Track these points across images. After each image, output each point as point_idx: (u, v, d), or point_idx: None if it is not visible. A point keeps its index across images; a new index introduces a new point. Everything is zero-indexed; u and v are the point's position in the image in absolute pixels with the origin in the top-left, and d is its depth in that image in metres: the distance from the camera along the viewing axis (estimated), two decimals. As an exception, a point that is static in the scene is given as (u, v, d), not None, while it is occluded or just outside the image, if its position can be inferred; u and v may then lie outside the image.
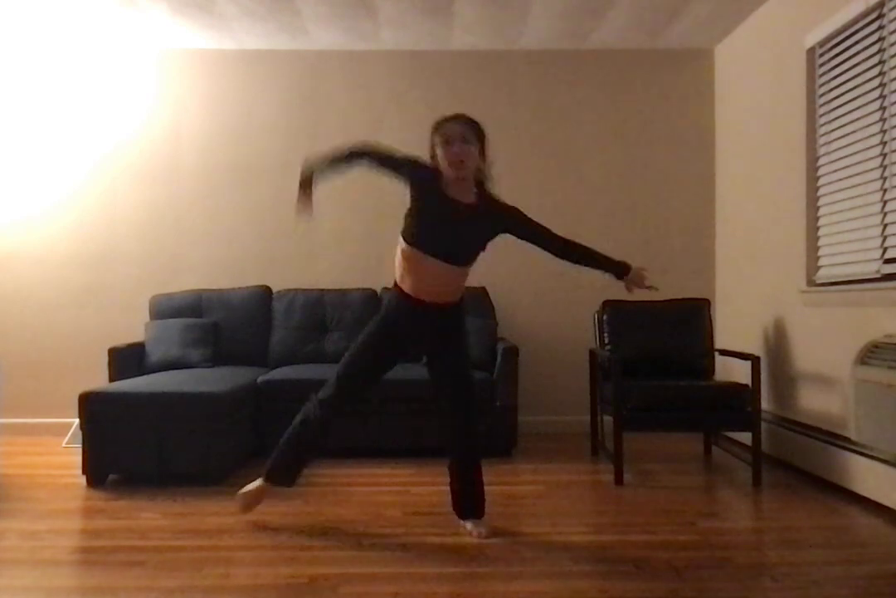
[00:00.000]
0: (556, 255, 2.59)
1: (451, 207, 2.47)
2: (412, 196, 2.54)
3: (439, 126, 2.49)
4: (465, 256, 2.52)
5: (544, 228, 2.57)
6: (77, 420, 3.42)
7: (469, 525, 2.60)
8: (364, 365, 2.59)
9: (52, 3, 3.91)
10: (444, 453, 2.66)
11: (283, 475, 2.67)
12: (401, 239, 2.56)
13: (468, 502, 2.65)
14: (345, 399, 2.59)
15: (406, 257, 2.53)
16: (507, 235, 2.57)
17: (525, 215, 2.57)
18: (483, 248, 2.57)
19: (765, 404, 3.76)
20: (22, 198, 4.60)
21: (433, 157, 2.50)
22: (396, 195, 4.63)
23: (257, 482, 2.69)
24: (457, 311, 2.62)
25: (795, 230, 3.62)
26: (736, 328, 4.34)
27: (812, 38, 3.47)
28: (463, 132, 2.45)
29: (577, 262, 2.64)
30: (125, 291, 4.61)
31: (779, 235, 3.80)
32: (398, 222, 4.81)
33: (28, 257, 4.59)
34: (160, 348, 4.13)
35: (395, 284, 2.62)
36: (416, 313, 2.54)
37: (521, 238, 2.57)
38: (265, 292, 4.45)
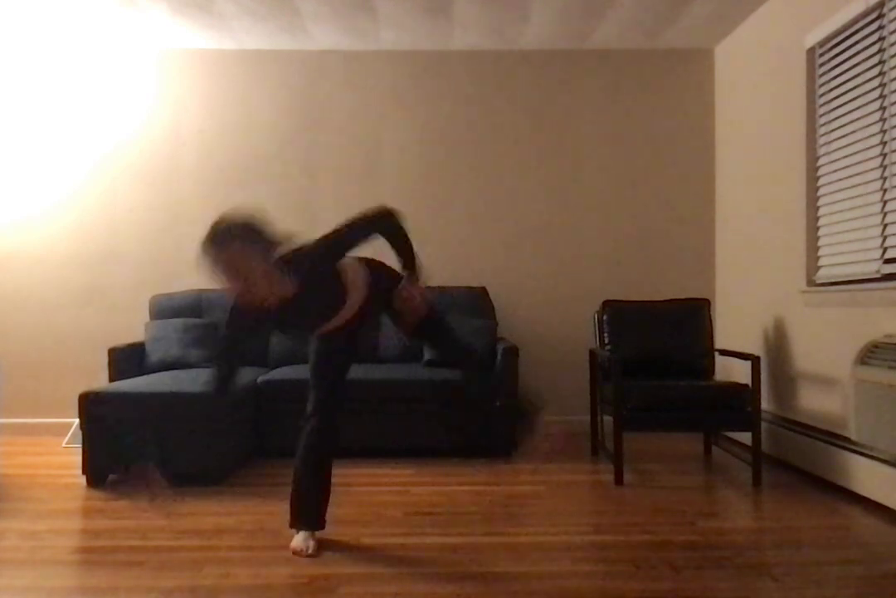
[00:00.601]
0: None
1: (288, 310, 2.27)
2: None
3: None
4: (333, 310, 2.37)
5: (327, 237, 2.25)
6: (77, 420, 3.42)
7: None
8: (323, 374, 2.51)
9: (52, 3, 3.92)
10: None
11: (312, 515, 2.46)
12: None
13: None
14: (327, 404, 2.49)
15: None
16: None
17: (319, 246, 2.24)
18: (336, 295, 2.34)
19: (765, 404, 3.76)
20: (22, 198, 4.60)
21: None
22: (396, 196, 4.65)
23: (299, 535, 2.43)
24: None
25: (795, 230, 3.62)
26: (736, 328, 4.34)
27: (812, 38, 3.47)
28: (216, 261, 2.06)
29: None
30: (125, 291, 4.61)
31: (779, 235, 3.81)
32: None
33: (28, 257, 4.59)
34: (160, 348, 4.13)
35: None
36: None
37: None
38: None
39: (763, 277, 3.99)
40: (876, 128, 3.05)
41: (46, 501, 3.04)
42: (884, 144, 3.00)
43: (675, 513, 2.84)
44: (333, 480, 3.32)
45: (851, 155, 3.21)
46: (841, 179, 3.29)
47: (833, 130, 3.36)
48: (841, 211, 3.29)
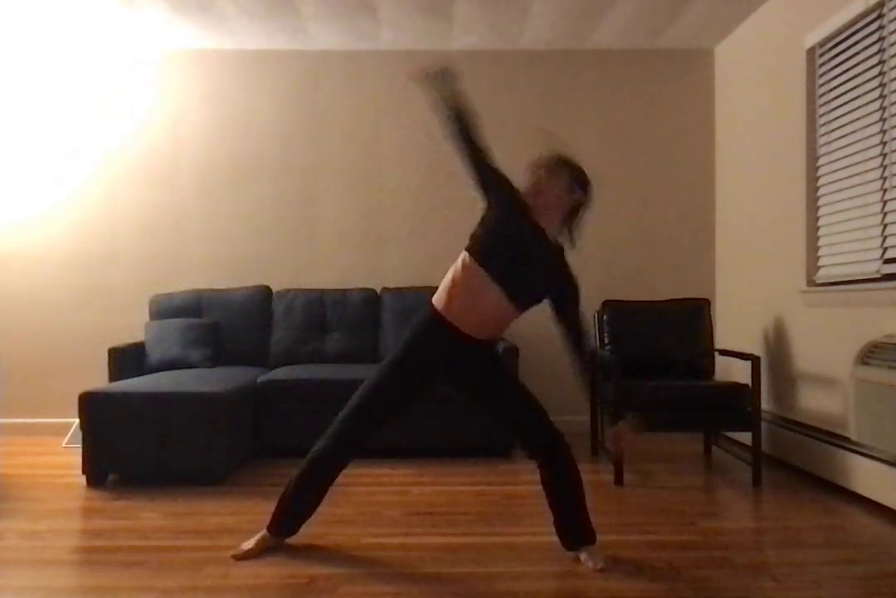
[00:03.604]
0: (567, 344, 2.37)
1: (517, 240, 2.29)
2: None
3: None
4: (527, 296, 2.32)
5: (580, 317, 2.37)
6: (77, 420, 3.43)
7: (583, 556, 2.32)
8: (387, 396, 2.33)
9: (52, 3, 3.92)
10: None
11: (287, 525, 2.42)
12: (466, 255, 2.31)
13: (569, 524, 2.37)
14: (357, 436, 2.32)
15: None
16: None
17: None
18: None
19: (765, 404, 3.76)
20: (22, 198, 4.60)
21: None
22: (396, 195, 4.65)
23: (259, 534, 2.43)
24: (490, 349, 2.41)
25: (795, 230, 3.62)
26: (736, 328, 4.34)
27: (812, 38, 3.47)
28: (553, 172, 2.34)
29: (574, 366, 2.38)
30: (125, 291, 4.61)
31: (779, 235, 3.81)
32: (397, 223, 4.83)
33: (28, 257, 4.59)
34: (160, 348, 4.14)
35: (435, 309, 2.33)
36: (451, 342, 2.30)
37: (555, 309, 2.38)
38: (265, 292, 4.45)
39: (763, 277, 3.99)
40: (876, 128, 3.05)
41: (46, 501, 3.04)
42: (884, 144, 3.00)
43: (675, 513, 2.84)
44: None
45: (851, 155, 3.21)
46: (841, 179, 3.29)
47: (833, 130, 3.36)
48: (841, 211, 3.29)
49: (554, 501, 2.36)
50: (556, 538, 2.39)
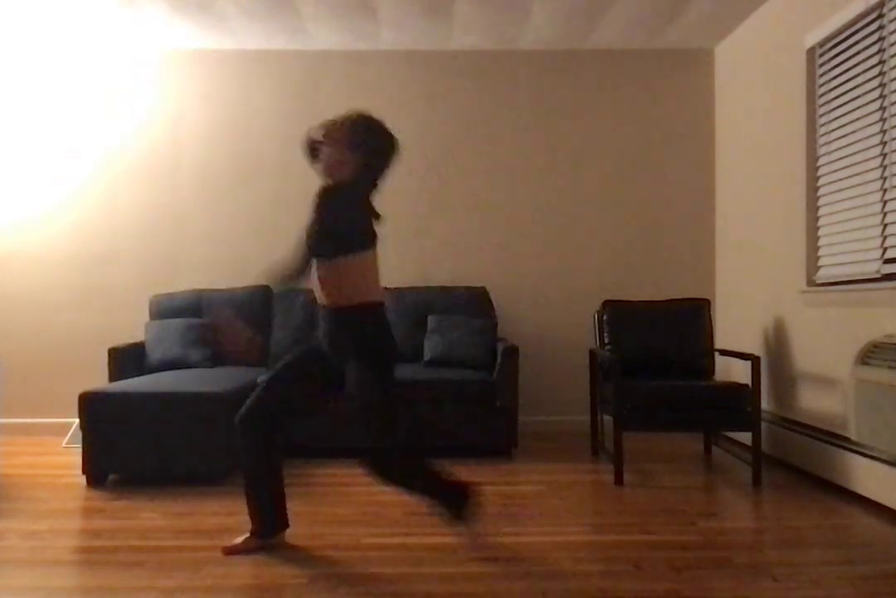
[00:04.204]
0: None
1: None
2: None
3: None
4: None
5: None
6: (77, 420, 3.43)
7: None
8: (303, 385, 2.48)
9: (52, 3, 3.92)
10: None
11: (271, 522, 2.45)
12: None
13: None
14: (268, 422, 2.49)
15: None
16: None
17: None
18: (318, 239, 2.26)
19: (765, 404, 3.76)
20: (22, 198, 4.60)
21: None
22: (396, 195, 4.65)
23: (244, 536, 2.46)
24: (344, 322, 2.38)
25: (795, 230, 3.62)
26: (736, 328, 4.34)
27: (812, 38, 3.47)
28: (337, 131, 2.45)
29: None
30: (125, 291, 4.61)
31: (779, 235, 3.81)
32: (397, 223, 4.82)
33: (28, 257, 4.59)
34: (160, 348, 4.14)
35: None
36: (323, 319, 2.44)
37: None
38: (265, 292, 4.45)
39: (763, 277, 3.99)
40: (876, 128, 3.05)
41: (46, 501, 3.04)
42: (884, 144, 2.99)
43: (675, 513, 2.84)
44: (333, 480, 3.33)
45: (851, 155, 3.21)
46: (841, 179, 3.29)
47: (833, 130, 3.36)
48: (841, 211, 3.29)
49: None
50: (558, 539, 2.40)
